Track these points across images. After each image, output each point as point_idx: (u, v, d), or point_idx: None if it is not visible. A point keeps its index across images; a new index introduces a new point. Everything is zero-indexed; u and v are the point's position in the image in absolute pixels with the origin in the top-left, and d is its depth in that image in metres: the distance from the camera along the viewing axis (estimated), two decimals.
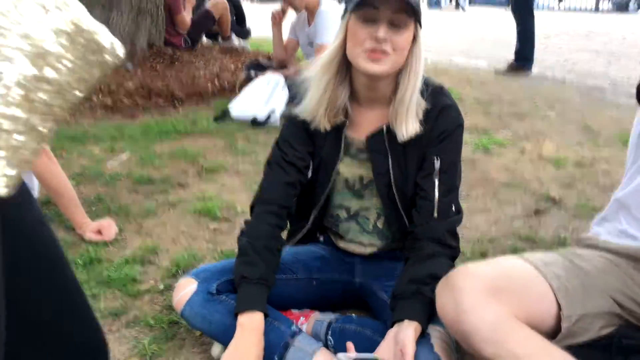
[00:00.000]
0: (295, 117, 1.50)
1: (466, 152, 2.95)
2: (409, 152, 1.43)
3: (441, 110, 1.42)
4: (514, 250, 2.06)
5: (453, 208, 1.45)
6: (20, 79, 0.45)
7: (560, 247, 2.14)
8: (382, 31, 1.26)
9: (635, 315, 1.30)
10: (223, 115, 3.64)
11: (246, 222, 1.48)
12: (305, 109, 1.47)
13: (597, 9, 13.39)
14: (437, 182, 1.42)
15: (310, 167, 1.53)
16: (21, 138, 0.45)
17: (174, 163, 2.91)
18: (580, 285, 1.27)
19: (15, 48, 0.44)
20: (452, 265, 1.42)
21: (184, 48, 5.33)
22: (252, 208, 1.51)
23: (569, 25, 9.89)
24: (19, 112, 0.44)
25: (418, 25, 1.33)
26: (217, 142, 3.25)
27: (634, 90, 1.32)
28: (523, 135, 3.48)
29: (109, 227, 2.16)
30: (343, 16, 1.36)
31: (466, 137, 3.22)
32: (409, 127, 1.38)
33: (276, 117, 3.58)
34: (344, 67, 1.40)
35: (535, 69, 5.63)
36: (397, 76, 1.38)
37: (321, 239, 1.71)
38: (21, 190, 0.64)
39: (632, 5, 13.63)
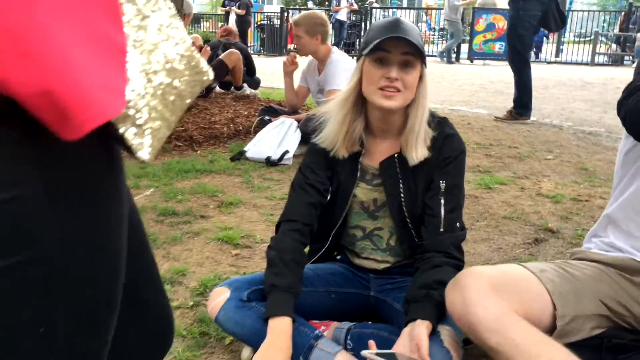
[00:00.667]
0: (315, 145, 1.71)
1: (469, 189, 3.16)
2: (418, 176, 1.63)
3: (445, 138, 1.63)
4: None
5: (457, 224, 1.64)
6: (161, 83, 0.65)
7: None
8: (394, 72, 1.49)
9: (623, 319, 1.46)
10: (239, 155, 3.87)
11: (272, 239, 1.66)
12: (325, 139, 1.67)
13: (592, 61, 13.84)
14: (442, 201, 1.61)
15: (330, 190, 1.73)
16: (159, 123, 0.65)
17: (195, 197, 3.11)
18: (573, 289, 1.43)
19: (158, 63, 0.65)
20: (456, 274, 1.59)
21: (200, 96, 5.63)
22: (277, 226, 1.70)
23: (566, 77, 10.26)
24: (160, 106, 0.65)
25: (423, 66, 1.55)
26: (234, 180, 3.46)
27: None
28: (522, 175, 3.69)
29: None
30: (358, 59, 1.59)
31: (469, 176, 3.45)
32: (418, 152, 1.59)
33: (289, 157, 3.80)
34: (360, 103, 1.62)
35: (534, 117, 5.88)
36: (406, 110, 1.59)
37: (338, 257, 1.89)
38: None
39: (627, 59, 14.10)
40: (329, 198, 1.73)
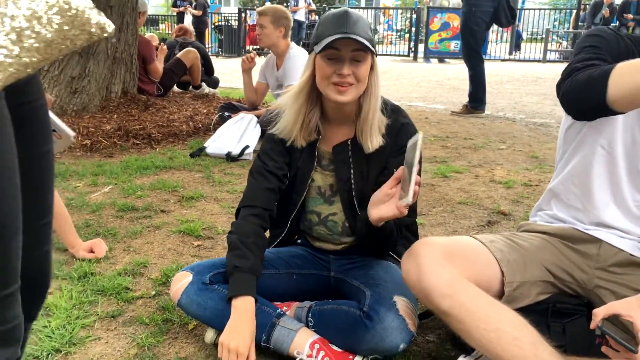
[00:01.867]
0: (273, 135, 1.74)
1: (427, 178, 3.25)
2: (371, 162, 1.68)
3: (400, 127, 1.68)
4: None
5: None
6: (18, 27, 0.70)
7: None
8: (345, 69, 1.53)
9: (567, 285, 1.55)
10: (199, 152, 3.87)
11: (233, 224, 1.69)
12: (281, 130, 1.71)
13: (544, 58, 14.31)
14: None
15: (288, 176, 1.77)
16: (10, 61, 0.71)
17: (155, 193, 3.10)
18: (520, 257, 1.51)
19: (18, 9, 0.70)
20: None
21: (157, 95, 5.59)
22: (237, 212, 1.72)
23: (519, 73, 10.59)
24: (12, 46, 0.71)
25: (374, 56, 1.60)
26: (194, 175, 3.46)
27: None
28: (477, 164, 3.81)
29: (100, 245, 2.32)
30: (310, 52, 1.63)
31: (426, 166, 3.55)
32: (373, 140, 1.63)
33: (250, 152, 3.83)
34: (314, 94, 1.66)
35: (488, 110, 6.07)
36: (360, 98, 1.64)
37: (299, 241, 1.93)
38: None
39: None
40: (287, 183, 1.78)
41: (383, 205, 1.45)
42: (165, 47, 6.11)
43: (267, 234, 1.82)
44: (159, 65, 5.67)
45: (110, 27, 0.80)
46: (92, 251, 2.30)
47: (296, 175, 1.76)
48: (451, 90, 8.25)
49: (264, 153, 1.76)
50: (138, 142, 4.14)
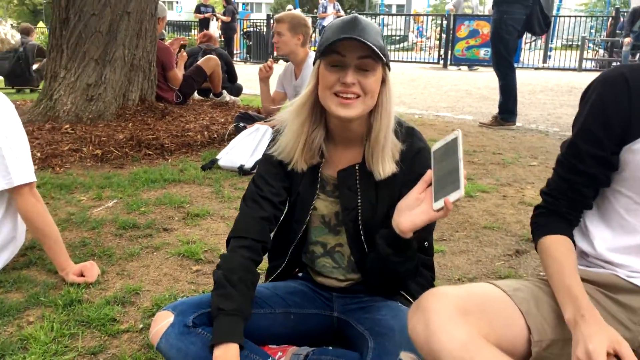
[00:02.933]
0: (271, 156, 1.55)
1: None
2: (382, 190, 1.46)
3: (416, 153, 1.46)
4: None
5: (426, 244, 1.49)
6: None
7: None
8: (349, 77, 1.32)
9: None
10: (211, 164, 3.71)
11: (221, 256, 1.50)
12: (281, 151, 1.51)
13: (580, 67, 13.83)
14: None
15: (287, 203, 1.57)
16: None
17: (160, 209, 2.94)
18: (551, 309, 1.28)
19: None
20: (424, 285, 1.47)
21: (176, 103, 5.47)
22: (227, 242, 1.53)
23: (553, 82, 10.20)
24: None
25: (386, 68, 1.39)
26: (203, 190, 3.30)
27: None
28: (505, 182, 3.55)
29: (91, 268, 2.16)
30: (314, 62, 1.43)
31: None
32: (385, 166, 1.41)
33: None
34: (318, 110, 1.44)
35: (520, 122, 5.77)
36: (369, 116, 1.43)
37: (300, 274, 1.73)
38: None
39: (614, 64, 14.09)
40: (286, 211, 1.58)
41: (414, 211, 1.27)
42: (185, 53, 6.00)
43: (265, 262, 1.64)
44: (178, 72, 5.56)
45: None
46: (82, 275, 2.14)
47: (296, 202, 1.56)
48: (481, 99, 7.95)
49: (260, 176, 1.56)
50: (150, 152, 4.00)
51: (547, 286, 1.34)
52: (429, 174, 1.25)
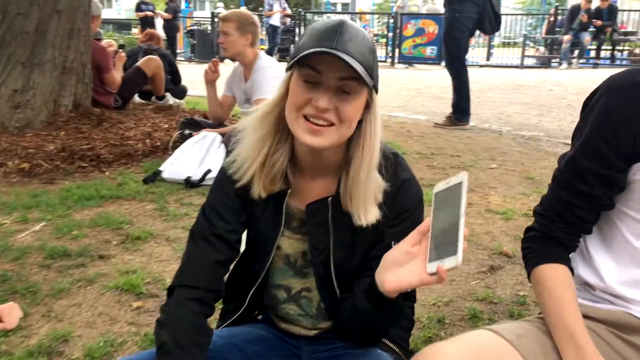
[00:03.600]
0: (226, 178, 1.27)
1: None
2: (360, 230, 1.21)
3: (400, 186, 1.21)
4: (473, 314, 1.88)
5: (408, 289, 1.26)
6: None
7: (520, 307, 2.00)
8: (324, 101, 1.04)
9: None
10: (154, 177, 3.38)
11: (164, 310, 1.21)
12: (236, 167, 1.24)
13: (522, 64, 14.10)
14: None
15: (243, 240, 1.31)
16: None
17: (95, 232, 2.61)
18: (558, 356, 1.09)
19: None
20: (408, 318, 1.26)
21: (114, 107, 5.07)
22: (170, 290, 1.25)
23: (500, 80, 10.29)
24: None
25: (373, 91, 1.11)
26: (145, 207, 2.98)
27: (569, 140, 1.21)
28: (468, 187, 3.40)
29: (11, 312, 1.81)
30: (288, 68, 1.16)
31: None
32: (368, 213, 1.14)
33: (212, 177, 3.36)
34: (284, 126, 1.16)
35: (473, 122, 5.69)
36: (348, 145, 1.16)
37: (260, 317, 1.47)
38: None
39: (554, 61, 14.44)
40: (244, 249, 1.32)
41: (403, 270, 1.00)
42: (123, 54, 5.59)
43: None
44: (116, 74, 5.15)
45: None
46: (0, 320, 1.81)
47: (257, 240, 1.29)
48: (432, 98, 7.88)
49: (212, 209, 1.27)
50: (85, 164, 3.63)
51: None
52: (427, 224, 0.99)
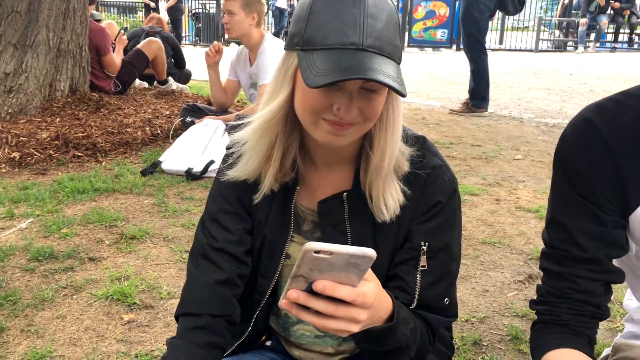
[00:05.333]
0: (224, 182, 1.04)
1: None
2: (383, 228, 0.99)
3: (430, 173, 0.98)
4: (515, 335, 1.63)
5: (444, 302, 1.02)
6: None
7: None
8: (348, 111, 0.85)
9: None
10: (153, 168, 3.13)
11: (168, 344, 1.00)
12: (239, 170, 1.02)
13: (537, 48, 13.70)
14: (418, 275, 0.99)
15: (252, 251, 1.07)
16: None
17: (87, 230, 2.37)
18: None
19: None
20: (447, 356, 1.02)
21: (114, 92, 4.82)
22: (177, 319, 1.04)
23: (516, 64, 9.94)
24: None
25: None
26: (143, 201, 2.73)
27: None
28: (494, 181, 3.13)
29: None
30: (291, 61, 0.92)
31: None
32: (388, 202, 0.95)
33: (215, 168, 3.11)
34: (292, 121, 0.96)
35: (491, 108, 5.41)
36: (370, 134, 0.95)
37: (268, 343, 1.23)
38: None
39: (570, 44, 14.05)
40: (250, 263, 1.08)
41: None
42: (124, 37, 5.32)
43: None
44: (116, 57, 4.89)
45: None
46: None
47: (262, 249, 1.07)
48: (446, 83, 7.58)
49: (211, 219, 1.06)
50: (80, 153, 3.39)
51: None
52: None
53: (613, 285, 0.93)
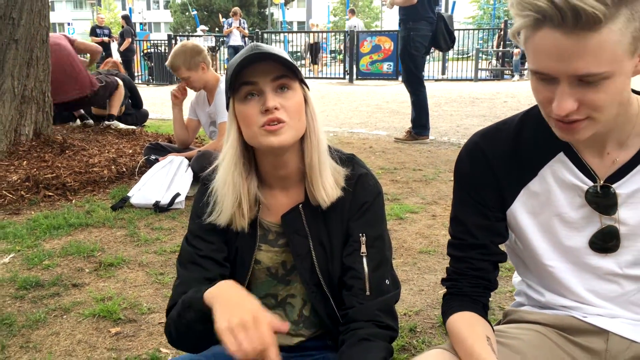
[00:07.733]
0: (200, 209, 1.35)
1: None
2: (332, 228, 1.32)
3: (358, 179, 1.33)
4: (442, 322, 1.98)
5: (387, 282, 1.35)
6: None
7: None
8: (270, 100, 1.18)
9: None
10: (122, 203, 3.39)
11: (169, 318, 1.27)
12: (219, 214, 1.32)
13: (476, 77, 14.54)
14: (365, 259, 1.31)
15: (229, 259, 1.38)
16: None
17: (67, 261, 2.61)
18: None
19: None
20: (389, 349, 1.30)
21: (92, 92, 5.26)
22: (168, 312, 1.31)
23: (455, 93, 10.61)
24: None
25: (304, 86, 1.26)
26: (116, 233, 2.98)
27: None
28: (431, 200, 3.53)
29: None
30: (227, 105, 1.27)
31: None
32: (327, 190, 1.27)
33: (181, 200, 3.39)
34: (247, 157, 1.28)
35: (432, 135, 5.88)
36: (301, 145, 1.29)
37: None
38: None
39: (506, 72, 14.97)
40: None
41: None
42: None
43: None
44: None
45: None
46: None
47: (236, 257, 1.37)
48: (392, 114, 8.07)
49: (194, 236, 1.34)
50: (51, 193, 3.61)
51: (505, 341, 1.23)
52: None
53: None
